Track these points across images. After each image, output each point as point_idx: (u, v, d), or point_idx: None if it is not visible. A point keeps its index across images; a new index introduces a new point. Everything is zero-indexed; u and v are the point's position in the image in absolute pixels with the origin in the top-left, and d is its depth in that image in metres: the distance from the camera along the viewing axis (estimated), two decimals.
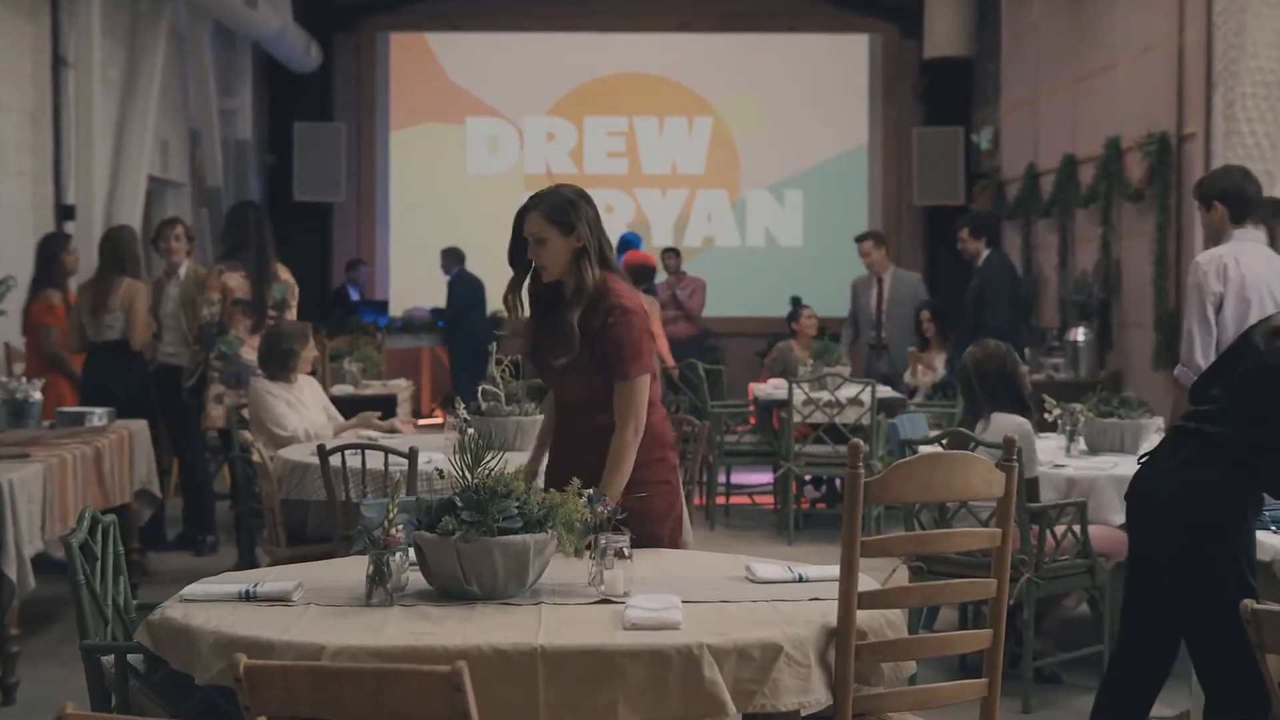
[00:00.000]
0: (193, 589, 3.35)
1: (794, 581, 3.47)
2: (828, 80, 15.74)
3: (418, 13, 15.67)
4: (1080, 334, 10.22)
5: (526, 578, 3.28)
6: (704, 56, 15.77)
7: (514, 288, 4.09)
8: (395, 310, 14.99)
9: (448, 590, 3.29)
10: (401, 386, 9.76)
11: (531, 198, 4.05)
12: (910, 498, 3.64)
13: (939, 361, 9.61)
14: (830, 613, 3.13)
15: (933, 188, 14.86)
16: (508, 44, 15.64)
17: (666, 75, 15.80)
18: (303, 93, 15.08)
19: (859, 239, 10.88)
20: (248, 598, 3.28)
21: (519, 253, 4.04)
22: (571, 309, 3.98)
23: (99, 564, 3.52)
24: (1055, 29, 11.65)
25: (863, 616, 3.11)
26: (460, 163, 15.80)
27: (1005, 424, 5.40)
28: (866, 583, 3.19)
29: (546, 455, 4.28)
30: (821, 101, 15.70)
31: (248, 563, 6.94)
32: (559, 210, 3.98)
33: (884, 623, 3.20)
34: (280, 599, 3.27)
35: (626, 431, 3.95)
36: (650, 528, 3.94)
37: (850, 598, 3.06)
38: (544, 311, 4.10)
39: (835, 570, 3.42)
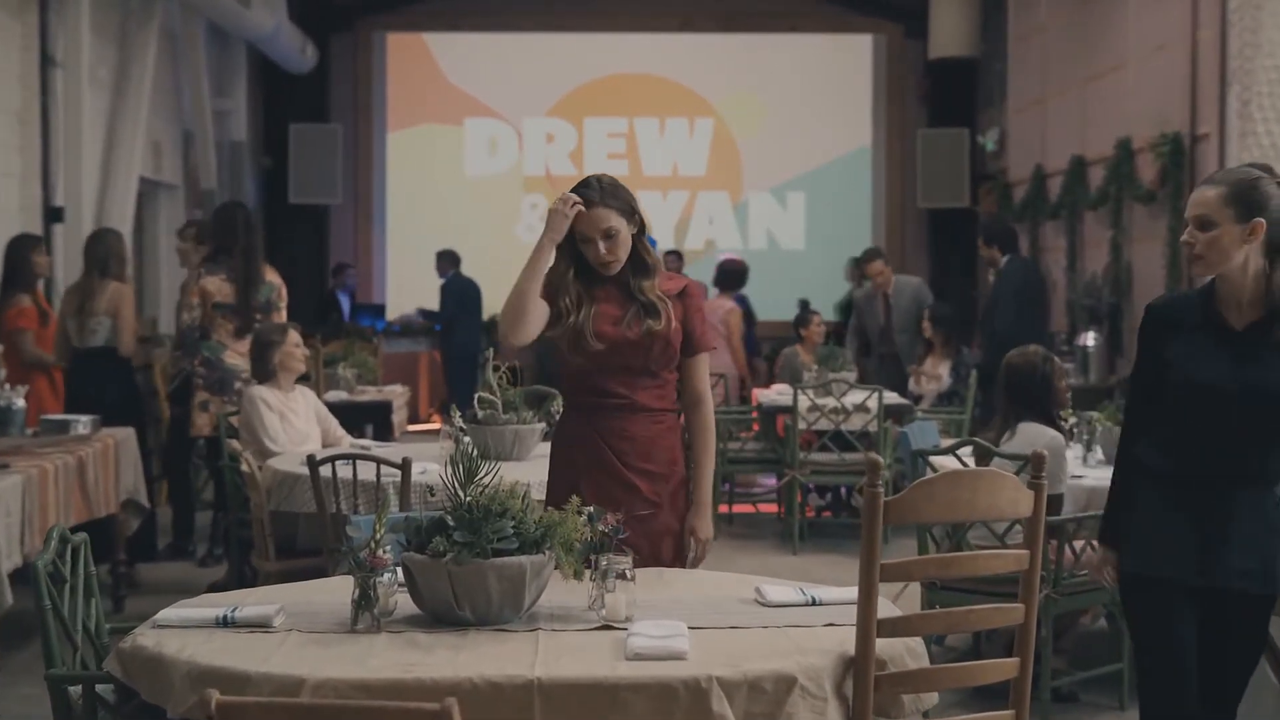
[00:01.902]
0: (167, 614, 3.14)
1: (807, 605, 3.27)
2: (830, 81, 15.56)
3: (415, 12, 15.49)
4: (1090, 339, 10.02)
5: (522, 602, 3.08)
6: (705, 57, 15.60)
7: (564, 279, 3.86)
8: (392, 314, 14.80)
9: (439, 615, 3.08)
10: (397, 393, 9.53)
11: (586, 193, 3.83)
12: (933, 518, 3.44)
13: (944, 369, 9.38)
14: (847, 640, 2.93)
15: (937, 190, 14.68)
16: (507, 44, 15.46)
17: (667, 76, 15.63)
18: (299, 93, 14.89)
19: (869, 259, 10.58)
20: (225, 623, 3.07)
21: (570, 243, 3.85)
22: (647, 280, 3.88)
23: (68, 586, 3.30)
24: (1063, 28, 11.47)
25: (882, 645, 2.90)
26: (458, 164, 15.62)
27: (1033, 435, 5.18)
28: (885, 607, 2.98)
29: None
30: (824, 102, 15.53)
31: (238, 575, 6.73)
32: (619, 199, 3.86)
33: (904, 651, 2.99)
34: (260, 625, 3.06)
35: (709, 406, 3.97)
36: (661, 541, 3.83)
37: (869, 625, 2.86)
38: (592, 293, 3.89)
39: (850, 592, 3.24)
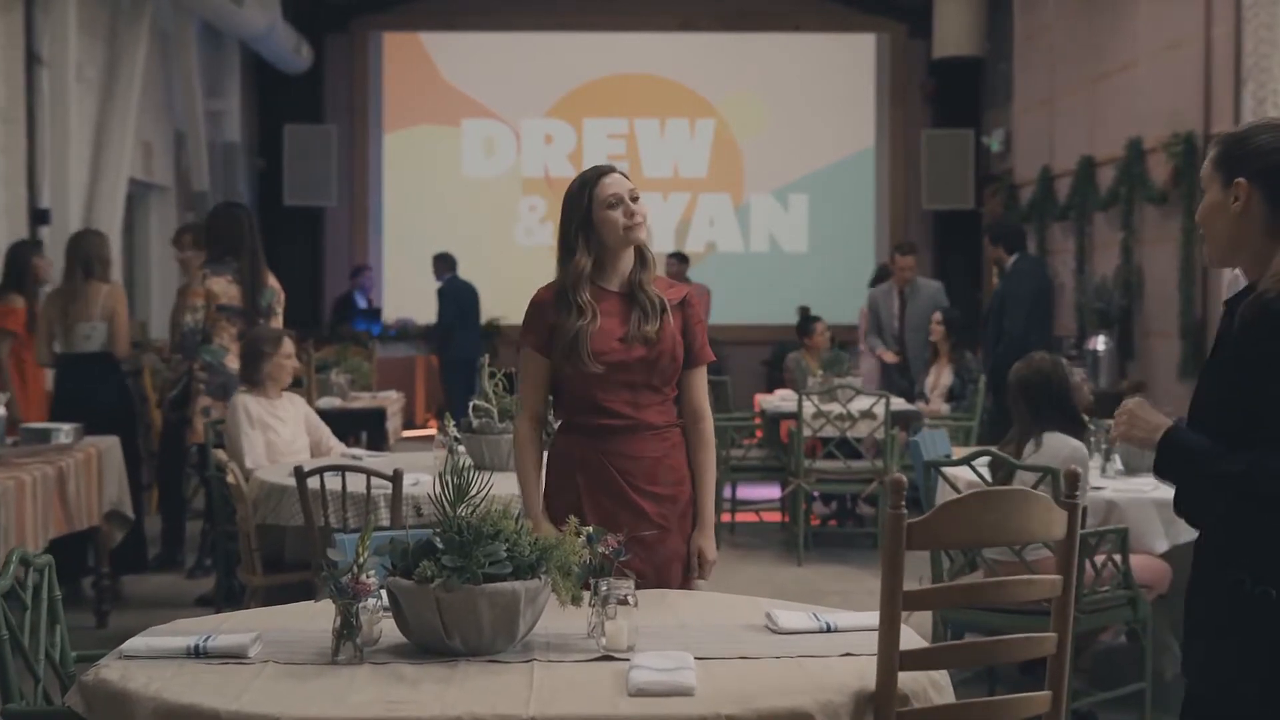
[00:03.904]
0: (134, 643, 2.92)
1: (821, 632, 3.05)
2: (834, 81, 15.36)
3: (412, 11, 15.29)
4: (1100, 342, 9.81)
5: (516, 631, 2.87)
6: (706, 56, 15.39)
7: (581, 277, 3.69)
8: (389, 318, 14.59)
9: (426, 645, 2.87)
10: (391, 399, 9.30)
11: (597, 167, 3.78)
12: (959, 542, 3.22)
13: (947, 373, 9.15)
14: (866, 672, 2.71)
15: (942, 192, 14.48)
16: (504, 44, 15.25)
17: (668, 76, 15.42)
18: (293, 94, 14.71)
19: (904, 252, 10.37)
20: (196, 654, 2.85)
21: (585, 228, 3.69)
22: (646, 273, 3.72)
23: (29, 614, 3.08)
24: (1071, 26, 11.26)
25: (904, 678, 2.68)
26: (456, 166, 15.41)
27: (1059, 447, 4.96)
28: (907, 636, 2.76)
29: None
30: (827, 103, 15.32)
31: (225, 589, 6.52)
32: (628, 178, 3.77)
33: (928, 684, 2.77)
34: (234, 656, 2.85)
35: (710, 421, 3.79)
36: (669, 567, 3.64)
37: (891, 658, 2.64)
38: (597, 306, 3.71)
39: (866, 618, 3.04)
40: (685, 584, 3.71)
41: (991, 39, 13.70)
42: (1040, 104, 11.98)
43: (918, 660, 2.72)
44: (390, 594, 2.88)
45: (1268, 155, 2.55)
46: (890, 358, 10.22)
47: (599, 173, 3.73)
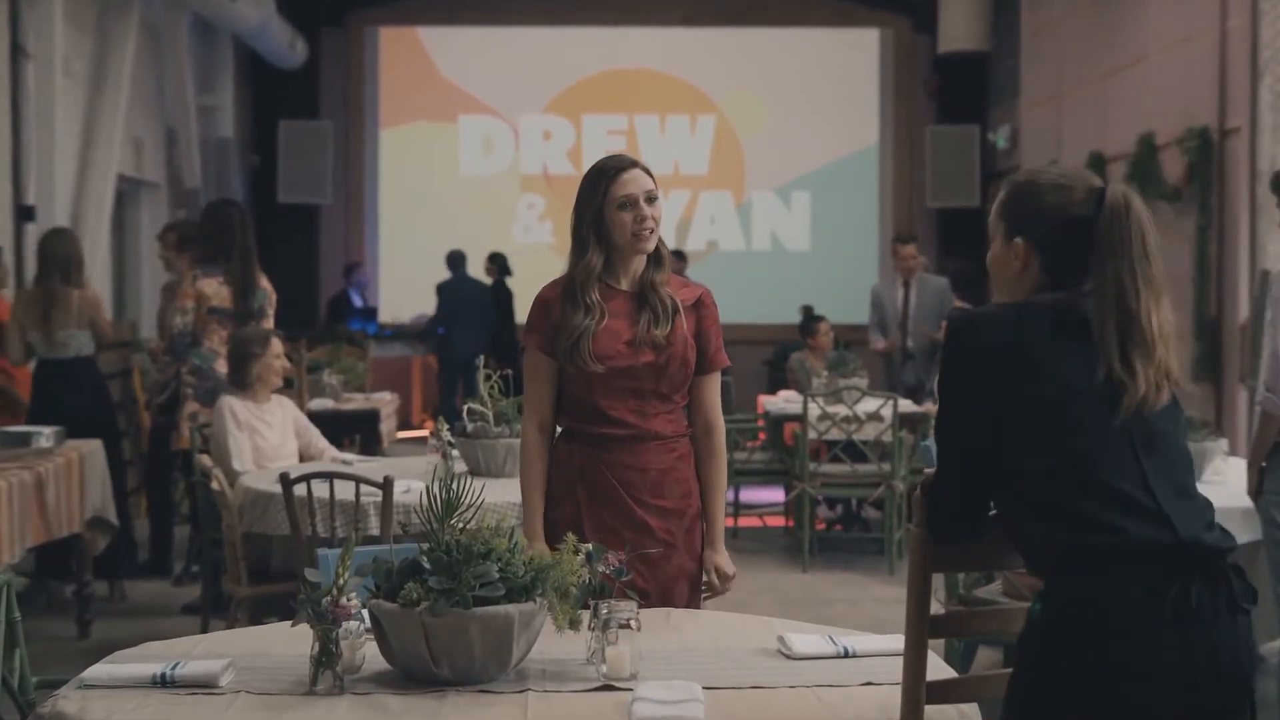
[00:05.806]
0: (96, 671, 2.70)
1: (839, 657, 2.84)
2: (837, 77, 15.15)
3: (408, 6, 15.09)
4: None
5: (509, 658, 2.65)
6: (708, 52, 15.18)
7: (591, 275, 3.47)
8: (385, 317, 14.37)
9: (412, 674, 2.65)
10: (385, 400, 9.08)
11: (623, 158, 3.51)
12: (990, 564, 3.00)
13: None
14: (889, 703, 2.51)
15: (947, 189, 14.28)
16: (503, 38, 15.04)
17: (669, 71, 15.21)
18: (288, 89, 14.50)
19: (903, 241, 10.19)
20: (163, 683, 2.64)
21: (597, 223, 3.46)
22: (660, 274, 3.52)
23: None
24: (1080, 20, 11.05)
25: (930, 710, 2.47)
26: (453, 163, 15.20)
27: None
28: (934, 665, 2.54)
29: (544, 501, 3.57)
30: (830, 99, 15.12)
31: (212, 598, 6.31)
32: (650, 174, 3.52)
33: (956, 717, 2.56)
34: (204, 685, 2.63)
35: (722, 432, 3.58)
36: (674, 586, 3.46)
37: (917, 689, 2.43)
38: (605, 306, 3.50)
39: (886, 641, 2.84)
40: (691, 603, 3.50)
41: (997, 33, 13.50)
42: (1048, 99, 11.77)
43: (946, 691, 2.51)
44: (373, 617, 2.67)
45: (1049, 219, 2.37)
46: (881, 346, 9.94)
47: (618, 166, 3.46)
